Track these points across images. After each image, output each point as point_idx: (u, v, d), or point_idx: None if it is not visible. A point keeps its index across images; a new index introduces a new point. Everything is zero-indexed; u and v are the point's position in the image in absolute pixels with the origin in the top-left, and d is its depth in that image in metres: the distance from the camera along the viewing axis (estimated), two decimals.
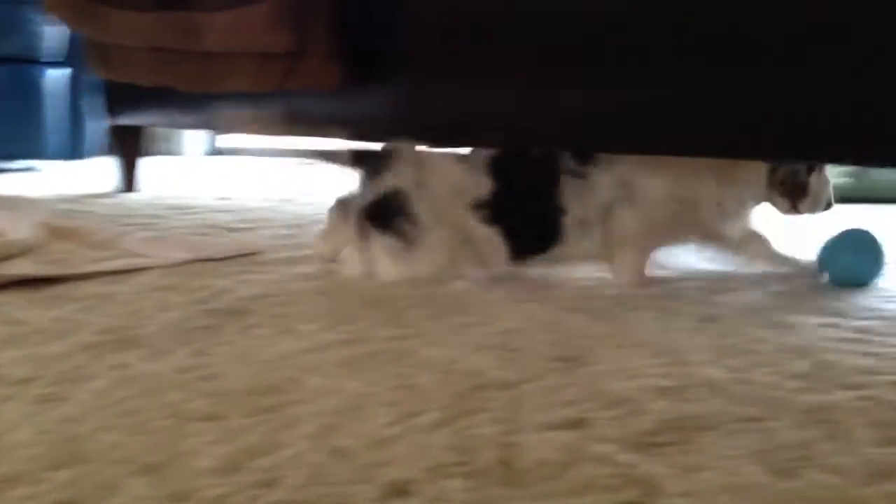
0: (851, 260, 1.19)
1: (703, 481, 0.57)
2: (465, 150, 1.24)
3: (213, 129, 1.91)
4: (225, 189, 2.53)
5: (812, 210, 1.22)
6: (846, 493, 0.56)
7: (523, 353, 0.86)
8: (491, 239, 1.17)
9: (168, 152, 4.01)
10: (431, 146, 1.22)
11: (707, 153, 0.95)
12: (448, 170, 1.19)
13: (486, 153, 1.21)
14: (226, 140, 4.24)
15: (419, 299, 1.08)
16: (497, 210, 1.17)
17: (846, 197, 2.12)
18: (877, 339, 0.91)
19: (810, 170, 1.20)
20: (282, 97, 1.55)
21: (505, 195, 1.17)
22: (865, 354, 0.85)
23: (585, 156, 1.16)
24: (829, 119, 0.82)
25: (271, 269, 1.29)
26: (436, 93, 1.20)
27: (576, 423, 0.68)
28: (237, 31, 1.29)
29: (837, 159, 1.04)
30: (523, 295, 1.11)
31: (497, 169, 1.18)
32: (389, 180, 1.18)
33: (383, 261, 1.17)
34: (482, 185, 1.17)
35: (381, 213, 1.17)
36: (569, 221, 1.17)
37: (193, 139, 4.13)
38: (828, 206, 1.23)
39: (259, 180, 2.88)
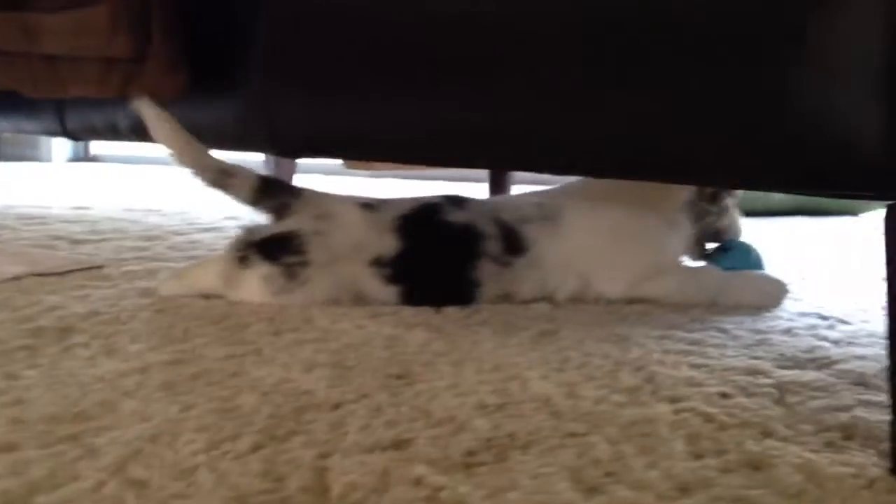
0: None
1: (510, 501, 0.57)
2: (378, 198, 1.20)
3: (66, 135, 1.81)
4: (86, 198, 2.42)
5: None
6: None
7: (357, 371, 0.84)
8: (386, 296, 1.13)
9: (33, 158, 3.82)
10: (280, 156, 1.18)
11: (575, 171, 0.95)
12: (352, 222, 1.14)
13: (398, 208, 1.17)
14: (100, 146, 4.07)
15: (264, 315, 1.05)
16: (399, 270, 1.13)
17: None
18: (707, 350, 0.93)
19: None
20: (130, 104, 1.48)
21: (411, 258, 1.13)
22: (692, 366, 0.87)
23: (514, 245, 1.15)
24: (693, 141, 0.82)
25: (111, 284, 1.23)
26: (285, 101, 1.17)
27: (396, 445, 0.66)
28: (76, 34, 1.22)
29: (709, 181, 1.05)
30: (369, 309, 1.09)
31: (406, 229, 1.14)
32: (291, 224, 1.13)
33: (256, 288, 1.12)
34: (385, 244, 1.13)
35: (270, 246, 1.12)
36: (484, 293, 1.15)
37: (61, 145, 3.95)
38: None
39: (128, 189, 2.77)
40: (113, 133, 1.65)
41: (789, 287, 1.21)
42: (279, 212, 1.15)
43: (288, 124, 1.20)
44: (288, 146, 1.21)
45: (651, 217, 1.20)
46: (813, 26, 0.60)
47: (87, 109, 1.69)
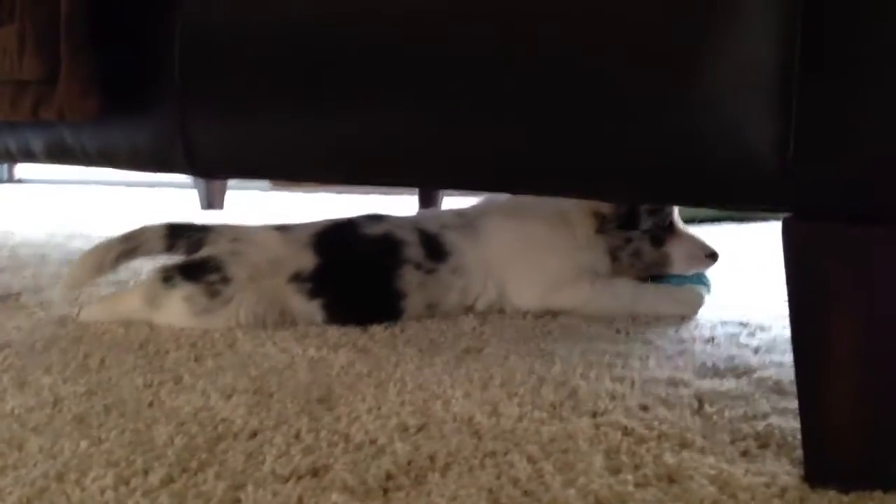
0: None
1: None
2: (293, 223, 1.20)
3: None
4: (9, 222, 2.35)
5: None
6: None
7: (277, 397, 0.83)
8: (308, 309, 1.12)
9: None
10: (199, 177, 1.16)
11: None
12: (267, 242, 1.14)
13: (314, 227, 1.17)
14: (25, 168, 3.97)
15: (185, 341, 1.03)
16: (320, 284, 1.12)
17: None
18: (630, 362, 0.94)
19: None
20: (47, 126, 1.44)
21: (331, 271, 1.13)
22: (614, 379, 0.87)
23: (435, 250, 1.15)
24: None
25: (27, 313, 1.19)
26: (201, 121, 1.15)
27: (313, 472, 0.65)
28: None
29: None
30: (294, 331, 1.08)
31: (323, 243, 1.14)
32: (207, 251, 1.12)
33: (179, 308, 1.10)
34: (303, 259, 1.12)
35: (191, 268, 1.11)
36: (410, 306, 1.15)
37: None
38: None
39: (53, 211, 2.70)
40: (27, 156, 1.60)
41: (705, 296, 1.23)
42: (194, 248, 1.14)
43: (205, 145, 1.18)
44: (206, 167, 1.19)
45: (565, 231, 1.21)
46: (705, 41, 0.61)
47: (1, 132, 1.64)
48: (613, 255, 1.23)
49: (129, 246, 1.15)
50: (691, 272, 1.25)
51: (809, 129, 0.60)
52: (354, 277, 1.13)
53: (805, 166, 0.61)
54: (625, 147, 0.69)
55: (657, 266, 1.23)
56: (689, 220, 2.15)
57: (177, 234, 1.15)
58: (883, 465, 0.62)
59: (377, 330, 1.09)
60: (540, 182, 0.78)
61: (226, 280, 1.09)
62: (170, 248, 1.15)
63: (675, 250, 1.23)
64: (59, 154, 1.50)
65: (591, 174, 0.72)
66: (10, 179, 3.97)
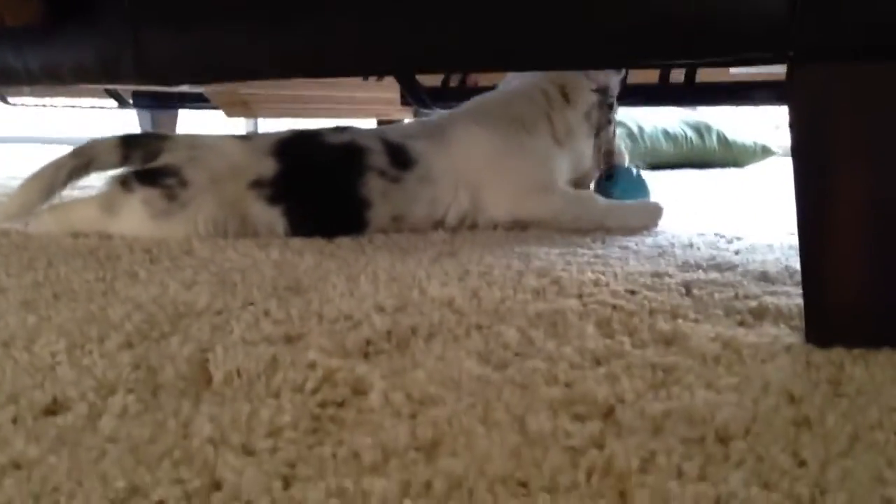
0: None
1: (413, 377, 0.52)
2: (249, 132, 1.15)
3: None
4: None
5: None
6: (563, 376, 0.52)
7: (242, 286, 0.77)
8: (269, 216, 1.06)
9: None
10: (148, 84, 1.10)
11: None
12: (226, 149, 1.08)
13: (275, 136, 1.12)
14: None
15: (139, 247, 0.96)
16: (281, 190, 1.06)
17: None
18: (610, 261, 0.90)
19: None
20: None
21: (294, 177, 1.07)
22: (595, 272, 0.84)
23: (400, 158, 1.10)
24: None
25: None
26: (151, 24, 1.08)
27: (287, 339, 0.60)
28: None
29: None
30: (255, 241, 1.02)
31: (285, 151, 1.08)
32: (165, 159, 1.06)
33: (137, 212, 1.03)
34: (264, 166, 1.06)
35: (148, 173, 1.05)
36: (375, 216, 1.09)
37: None
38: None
39: None
40: None
41: (663, 208, 1.21)
42: (151, 158, 1.07)
43: (155, 51, 1.11)
44: (157, 72, 1.12)
45: (538, 136, 1.17)
46: None
47: None
48: (598, 129, 1.24)
49: (81, 161, 1.08)
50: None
51: None
52: (316, 184, 1.07)
53: (812, 7, 0.58)
54: (637, 8, 0.65)
55: (611, 157, 1.29)
56: (654, 166, 2.14)
57: (131, 145, 1.09)
58: (888, 322, 0.59)
59: (343, 240, 1.04)
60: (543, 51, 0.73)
61: (184, 183, 1.02)
62: (124, 160, 1.08)
63: (619, 143, 1.32)
64: (1, 75, 1.41)
65: (598, 32, 0.68)
66: None
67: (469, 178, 1.12)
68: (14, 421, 0.44)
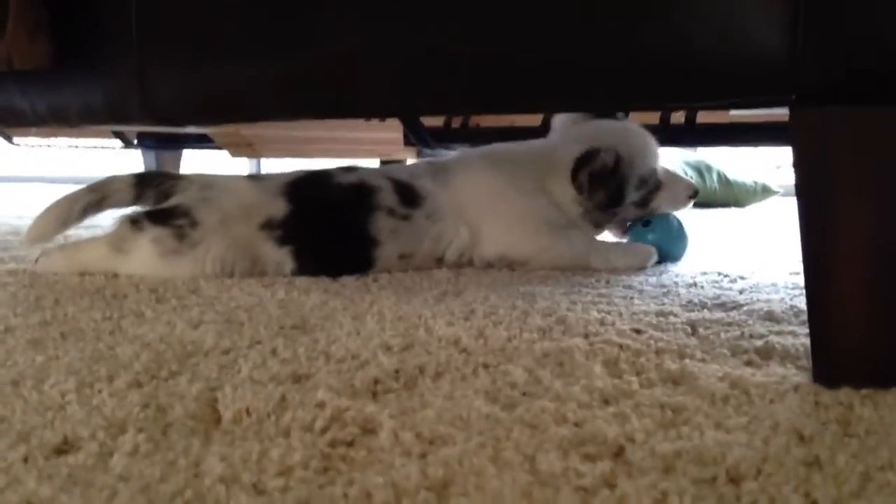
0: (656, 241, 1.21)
1: (423, 416, 0.52)
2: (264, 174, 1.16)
3: None
4: None
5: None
6: (572, 415, 0.52)
7: (249, 325, 0.77)
8: (278, 256, 1.06)
9: None
10: (156, 124, 1.11)
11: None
12: (238, 189, 1.09)
13: (286, 176, 1.13)
14: None
15: (146, 287, 0.97)
16: (291, 231, 1.07)
17: None
18: (615, 300, 0.91)
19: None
20: None
21: (304, 217, 1.08)
22: (600, 311, 0.84)
23: (407, 195, 1.11)
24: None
25: None
26: (160, 66, 1.09)
27: (295, 379, 0.60)
28: None
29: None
30: (261, 280, 1.03)
31: (296, 191, 1.09)
32: (176, 199, 1.07)
33: (146, 251, 1.04)
34: (275, 206, 1.07)
35: (159, 214, 1.06)
36: (383, 255, 1.10)
37: None
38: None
39: None
40: None
41: (654, 252, 1.20)
42: (163, 197, 1.08)
43: (163, 92, 1.12)
44: (165, 114, 1.13)
45: (530, 185, 1.17)
46: None
47: None
48: (597, 225, 1.22)
49: (97, 196, 1.09)
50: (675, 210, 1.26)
51: (817, 14, 0.58)
52: (326, 224, 1.08)
53: (813, 52, 0.59)
54: (629, 44, 0.66)
55: (642, 217, 1.23)
56: None
57: (145, 184, 1.10)
58: (894, 362, 0.59)
59: (348, 280, 1.04)
60: (543, 91, 0.74)
61: (195, 224, 1.03)
62: (138, 198, 1.10)
63: (660, 202, 1.23)
64: (8, 116, 1.43)
65: (598, 75, 0.69)
66: None
67: (468, 213, 1.13)
68: (25, 460, 0.44)
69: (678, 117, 1.72)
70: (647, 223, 1.23)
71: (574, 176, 1.13)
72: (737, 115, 1.76)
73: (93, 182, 1.11)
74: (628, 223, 1.25)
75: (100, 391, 0.56)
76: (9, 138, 2.21)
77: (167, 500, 0.39)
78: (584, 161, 1.13)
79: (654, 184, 1.20)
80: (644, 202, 1.21)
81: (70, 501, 0.39)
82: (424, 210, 1.11)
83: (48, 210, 1.08)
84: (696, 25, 0.65)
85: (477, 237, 1.14)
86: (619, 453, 0.46)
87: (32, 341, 0.71)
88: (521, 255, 1.14)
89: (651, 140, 1.21)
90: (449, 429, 0.50)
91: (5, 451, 0.45)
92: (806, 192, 0.61)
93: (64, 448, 0.46)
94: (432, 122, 1.93)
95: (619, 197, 1.18)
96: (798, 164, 0.61)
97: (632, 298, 0.92)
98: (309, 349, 0.68)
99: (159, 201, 1.08)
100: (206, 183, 1.10)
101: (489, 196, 1.15)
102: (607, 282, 1.04)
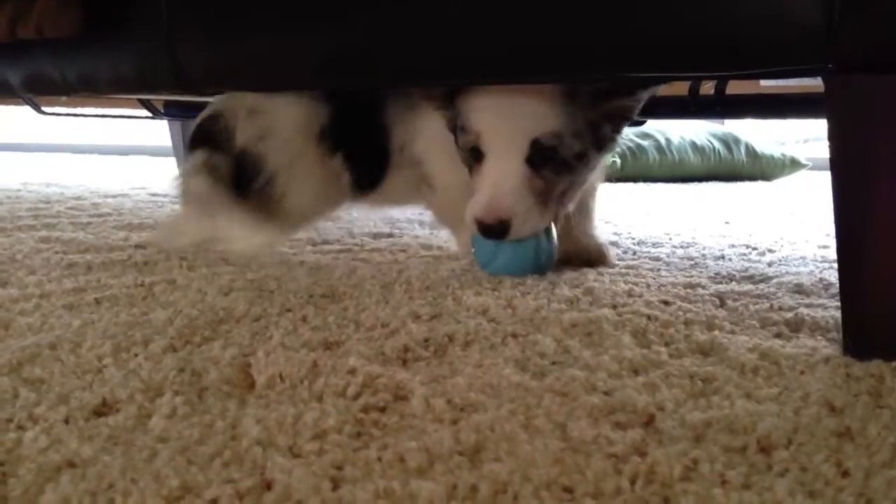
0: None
1: (453, 384, 0.52)
2: None
3: None
4: None
5: None
6: (602, 384, 0.52)
7: (279, 293, 0.78)
8: (338, 170, 1.00)
9: None
10: (186, 93, 1.11)
11: None
12: (290, 108, 1.02)
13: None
14: None
15: (174, 253, 0.98)
16: (336, 136, 1.00)
17: (619, 177, 2.21)
18: (642, 272, 0.91)
19: None
20: (25, 56, 1.38)
21: (341, 120, 1.00)
22: (629, 283, 0.84)
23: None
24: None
25: (5, 234, 1.14)
26: (190, 32, 1.09)
27: (326, 346, 0.61)
28: None
29: None
30: (288, 246, 1.03)
31: (334, 92, 1.02)
32: (238, 141, 1.00)
33: (240, 230, 0.94)
34: (323, 114, 1.01)
35: (238, 179, 0.98)
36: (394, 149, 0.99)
37: None
38: None
39: (23, 172, 2.62)
40: (3, 89, 1.53)
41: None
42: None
43: (193, 59, 1.12)
44: (194, 81, 1.14)
45: None
46: None
47: None
48: None
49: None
50: None
51: None
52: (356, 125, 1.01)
53: (851, 21, 0.58)
54: (666, 13, 0.65)
55: None
56: (677, 179, 2.14)
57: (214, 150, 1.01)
58: None
59: (376, 249, 1.05)
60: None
61: (270, 180, 0.97)
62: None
63: None
64: (38, 84, 1.44)
65: (636, 45, 0.68)
66: None
67: None
68: (66, 421, 0.45)
69: (707, 88, 1.70)
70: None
71: None
72: (767, 85, 1.74)
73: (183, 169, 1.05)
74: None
75: (135, 355, 0.57)
76: (38, 107, 2.22)
77: (206, 461, 0.40)
78: None
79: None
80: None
81: (111, 461, 0.40)
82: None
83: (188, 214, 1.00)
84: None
85: None
86: (649, 422, 0.46)
87: (67, 306, 0.72)
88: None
89: None
90: (479, 396, 0.50)
91: (46, 412, 0.46)
92: (840, 163, 0.60)
93: (103, 410, 0.47)
94: None
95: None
96: (833, 136, 0.60)
97: (659, 270, 0.92)
98: (338, 317, 0.69)
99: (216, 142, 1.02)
100: (254, 109, 1.03)
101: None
102: (634, 254, 1.04)
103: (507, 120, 0.83)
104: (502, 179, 0.83)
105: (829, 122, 0.61)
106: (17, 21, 1.20)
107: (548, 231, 0.88)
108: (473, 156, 0.86)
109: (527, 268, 0.87)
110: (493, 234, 0.83)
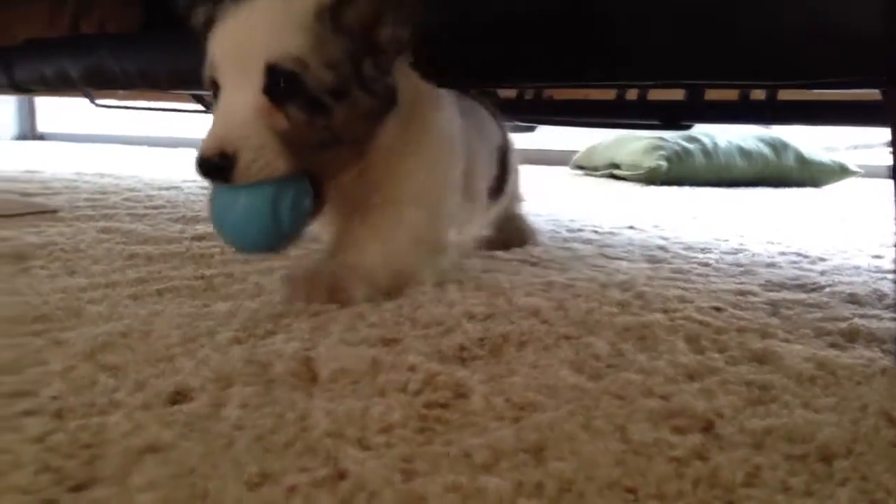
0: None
1: (511, 383, 0.53)
2: None
3: (14, 88, 1.74)
4: (36, 166, 2.33)
5: None
6: (658, 388, 0.53)
7: None
8: None
9: None
10: None
11: None
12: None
13: None
14: (47, 124, 3.95)
15: (230, 250, 1.00)
16: None
17: (665, 180, 2.20)
18: (693, 278, 0.91)
19: None
20: (86, 50, 1.42)
21: None
22: (680, 288, 0.84)
23: None
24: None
25: (67, 224, 1.17)
26: None
27: (384, 342, 0.62)
28: None
29: None
30: None
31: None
32: None
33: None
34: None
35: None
36: None
37: (6, 124, 3.82)
38: None
39: (79, 161, 2.68)
40: (63, 82, 1.58)
41: None
42: None
43: None
44: None
45: None
46: None
47: (36, 59, 1.61)
48: None
49: None
50: None
51: None
52: None
53: None
54: (727, 23, 0.66)
55: None
56: (725, 184, 2.12)
57: None
58: None
59: None
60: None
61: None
62: None
63: None
64: (98, 78, 1.48)
65: (694, 53, 0.69)
66: (33, 136, 3.95)
67: None
68: (145, 407, 0.47)
69: (756, 93, 1.69)
70: None
71: None
72: (818, 92, 1.72)
73: None
74: None
75: (202, 346, 0.59)
76: (91, 99, 2.27)
77: (281, 450, 0.41)
78: None
79: None
80: None
81: (192, 447, 0.41)
82: None
83: None
84: (793, 4, 0.65)
85: None
86: (708, 427, 0.47)
87: (132, 296, 0.75)
88: None
89: None
90: (538, 396, 0.51)
91: (126, 398, 0.48)
92: None
93: (177, 398, 0.49)
94: (505, 94, 1.93)
95: None
96: (894, 144, 0.61)
97: (709, 276, 0.92)
98: (395, 314, 0.70)
99: None
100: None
101: None
102: (685, 258, 1.04)
103: (240, 44, 0.70)
104: (232, 110, 0.69)
105: (892, 132, 0.61)
106: (81, 16, 1.24)
107: (300, 188, 0.71)
108: (214, 91, 0.73)
109: (263, 225, 0.69)
110: (213, 173, 0.68)
